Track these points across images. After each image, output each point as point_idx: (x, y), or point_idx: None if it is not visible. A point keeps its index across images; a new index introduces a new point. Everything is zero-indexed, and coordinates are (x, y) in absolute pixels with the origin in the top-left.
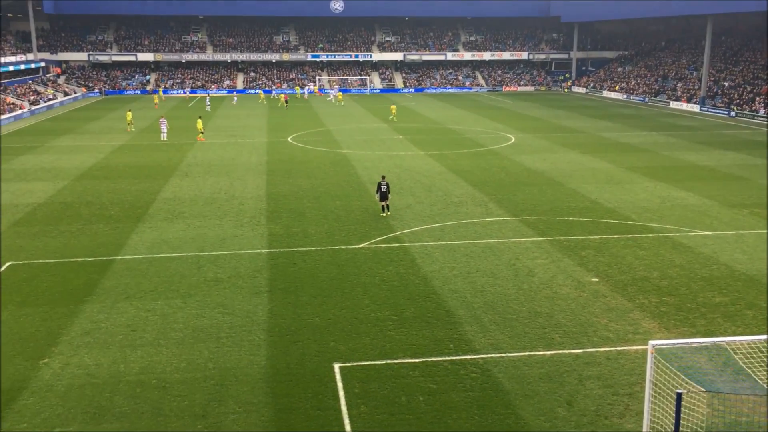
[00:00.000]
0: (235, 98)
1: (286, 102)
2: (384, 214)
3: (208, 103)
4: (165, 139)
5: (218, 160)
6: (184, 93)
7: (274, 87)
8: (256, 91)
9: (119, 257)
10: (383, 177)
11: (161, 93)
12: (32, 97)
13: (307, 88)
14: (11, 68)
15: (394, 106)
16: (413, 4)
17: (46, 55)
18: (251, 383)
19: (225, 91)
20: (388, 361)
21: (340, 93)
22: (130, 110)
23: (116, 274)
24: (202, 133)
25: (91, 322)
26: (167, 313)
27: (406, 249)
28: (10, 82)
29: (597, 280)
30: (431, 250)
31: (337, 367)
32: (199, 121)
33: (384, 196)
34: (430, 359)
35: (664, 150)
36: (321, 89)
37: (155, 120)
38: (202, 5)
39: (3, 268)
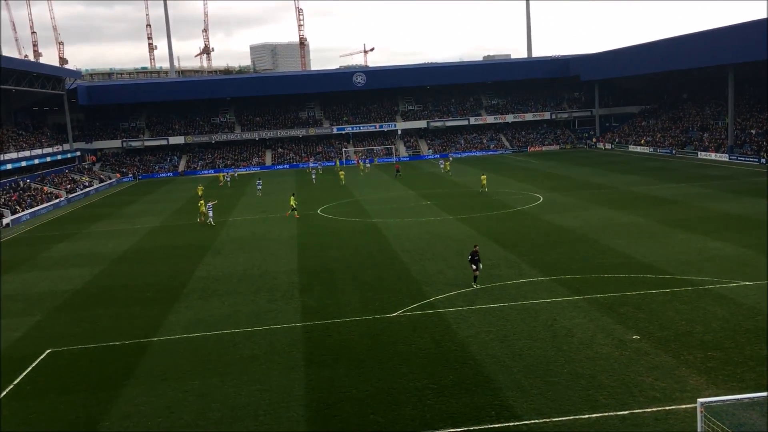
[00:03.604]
0: (313, 174)
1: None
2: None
3: (260, 186)
4: (212, 222)
5: (250, 236)
6: (233, 171)
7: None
8: (349, 162)
9: (156, 338)
10: (475, 246)
11: (222, 176)
12: (69, 186)
13: (368, 158)
14: (48, 159)
15: (484, 176)
16: (433, 74)
17: (82, 145)
18: None
19: (256, 168)
20: None
21: (446, 159)
22: (202, 200)
23: (153, 356)
24: (294, 209)
25: (131, 406)
26: (205, 393)
27: (441, 315)
28: (48, 173)
29: (638, 337)
30: (466, 315)
31: None
32: (292, 198)
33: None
34: (471, 428)
35: (697, 201)
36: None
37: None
38: (229, 88)
39: (43, 356)
